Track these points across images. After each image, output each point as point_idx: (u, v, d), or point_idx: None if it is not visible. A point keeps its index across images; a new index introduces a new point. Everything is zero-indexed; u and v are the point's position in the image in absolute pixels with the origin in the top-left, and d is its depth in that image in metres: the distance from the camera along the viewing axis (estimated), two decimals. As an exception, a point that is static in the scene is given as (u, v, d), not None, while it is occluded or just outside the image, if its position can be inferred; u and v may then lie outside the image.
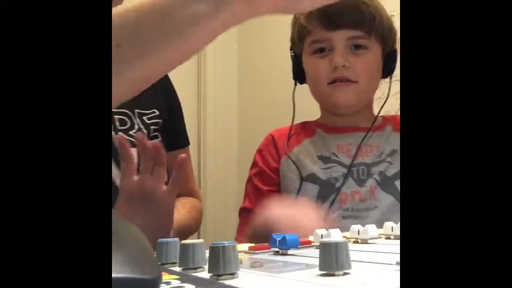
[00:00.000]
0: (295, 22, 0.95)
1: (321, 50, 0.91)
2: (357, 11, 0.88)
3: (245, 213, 0.94)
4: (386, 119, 0.99)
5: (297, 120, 1.01)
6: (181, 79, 2.36)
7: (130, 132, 0.81)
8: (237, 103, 2.47)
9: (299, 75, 0.97)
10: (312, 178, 0.90)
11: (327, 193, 0.88)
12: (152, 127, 0.85)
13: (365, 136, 0.92)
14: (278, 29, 2.22)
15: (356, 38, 0.90)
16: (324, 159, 0.92)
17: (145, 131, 0.83)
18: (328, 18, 0.88)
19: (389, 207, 0.86)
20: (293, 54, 0.98)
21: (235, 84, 2.48)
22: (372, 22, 0.89)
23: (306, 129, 1.00)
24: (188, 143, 0.97)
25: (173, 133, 0.91)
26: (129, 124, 0.82)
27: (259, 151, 1.00)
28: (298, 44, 0.95)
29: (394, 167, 0.89)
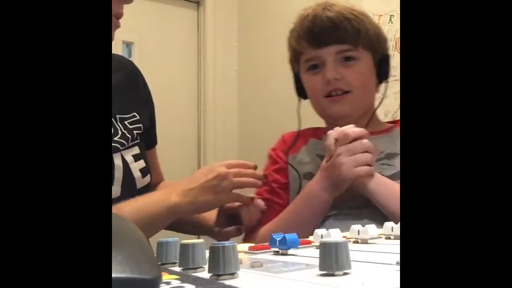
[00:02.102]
0: (288, 45, 1.03)
1: (315, 66, 0.98)
2: (340, 27, 0.94)
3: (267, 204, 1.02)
4: (397, 123, 1.05)
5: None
6: (181, 79, 2.37)
7: (115, 138, 0.83)
8: (237, 103, 2.48)
9: (301, 92, 1.04)
10: (309, 176, 0.95)
11: None
12: (135, 131, 0.87)
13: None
14: (278, 29, 2.23)
15: (344, 51, 0.95)
16: (322, 158, 0.96)
17: (128, 136, 0.85)
18: (314, 38, 0.95)
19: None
20: (293, 73, 1.05)
21: (235, 84, 2.48)
22: (357, 35, 0.95)
23: (314, 132, 1.06)
24: (157, 141, 1.03)
25: (151, 134, 0.97)
26: (112, 130, 0.84)
27: (274, 149, 1.07)
28: (295, 64, 1.03)
29: (392, 168, 0.92)
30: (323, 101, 0.97)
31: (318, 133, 1.05)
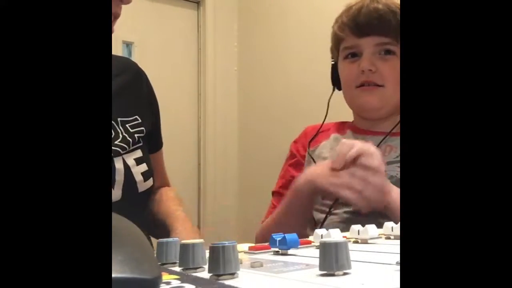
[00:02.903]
0: (332, 33, 1.03)
1: (353, 55, 0.98)
2: (384, 19, 0.94)
3: (277, 196, 1.04)
4: None
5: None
6: (181, 79, 2.37)
7: (116, 142, 0.82)
8: (237, 103, 2.48)
9: (336, 82, 1.04)
10: None
11: None
12: (136, 135, 0.86)
13: (385, 137, 0.95)
14: (278, 29, 2.23)
15: (385, 44, 0.95)
16: None
17: (129, 139, 0.84)
18: (357, 26, 0.96)
19: None
20: (332, 62, 1.06)
21: (235, 84, 2.48)
22: (399, 30, 0.93)
23: (338, 127, 1.06)
24: (162, 144, 1.02)
25: (154, 138, 0.96)
26: (113, 133, 0.83)
27: (295, 141, 1.09)
28: (335, 52, 1.04)
29: None
30: (354, 91, 0.97)
31: (342, 128, 1.05)
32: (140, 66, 0.98)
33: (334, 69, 1.04)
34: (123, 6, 0.77)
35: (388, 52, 0.95)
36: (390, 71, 0.94)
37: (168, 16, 2.37)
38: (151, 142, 0.93)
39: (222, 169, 2.40)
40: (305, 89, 1.97)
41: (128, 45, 2.21)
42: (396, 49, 0.95)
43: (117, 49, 2.08)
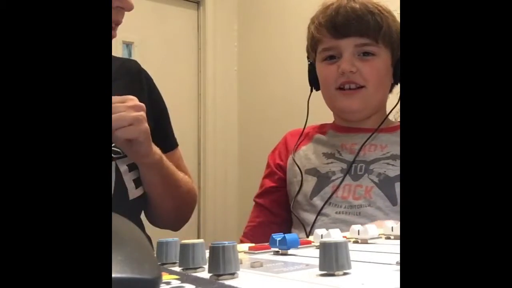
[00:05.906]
0: (308, 33, 1.01)
1: (331, 57, 0.96)
2: (363, 20, 0.92)
3: (255, 205, 1.06)
4: None
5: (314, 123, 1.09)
6: (181, 79, 2.37)
7: None
8: (237, 103, 2.48)
9: (314, 82, 1.02)
10: (313, 171, 0.96)
11: (322, 184, 0.93)
12: None
13: (370, 135, 0.95)
14: (278, 29, 2.23)
15: (363, 45, 0.93)
16: (327, 155, 0.98)
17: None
18: (335, 28, 0.93)
19: (382, 207, 0.88)
20: (309, 62, 1.04)
21: (235, 84, 2.48)
22: (378, 30, 0.93)
23: (319, 129, 1.06)
24: (177, 144, 0.99)
25: (163, 137, 0.92)
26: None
27: (272, 151, 1.09)
28: (311, 53, 1.01)
29: (396, 170, 0.90)
30: (335, 93, 0.96)
31: (323, 128, 1.05)
32: (140, 66, 0.97)
33: (312, 69, 1.02)
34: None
35: (367, 53, 0.94)
36: (371, 72, 0.93)
37: (168, 16, 2.36)
38: (160, 142, 0.90)
39: (222, 169, 2.40)
40: (305, 89, 1.97)
41: (128, 45, 2.21)
42: (376, 49, 0.94)
43: (117, 49, 2.08)
